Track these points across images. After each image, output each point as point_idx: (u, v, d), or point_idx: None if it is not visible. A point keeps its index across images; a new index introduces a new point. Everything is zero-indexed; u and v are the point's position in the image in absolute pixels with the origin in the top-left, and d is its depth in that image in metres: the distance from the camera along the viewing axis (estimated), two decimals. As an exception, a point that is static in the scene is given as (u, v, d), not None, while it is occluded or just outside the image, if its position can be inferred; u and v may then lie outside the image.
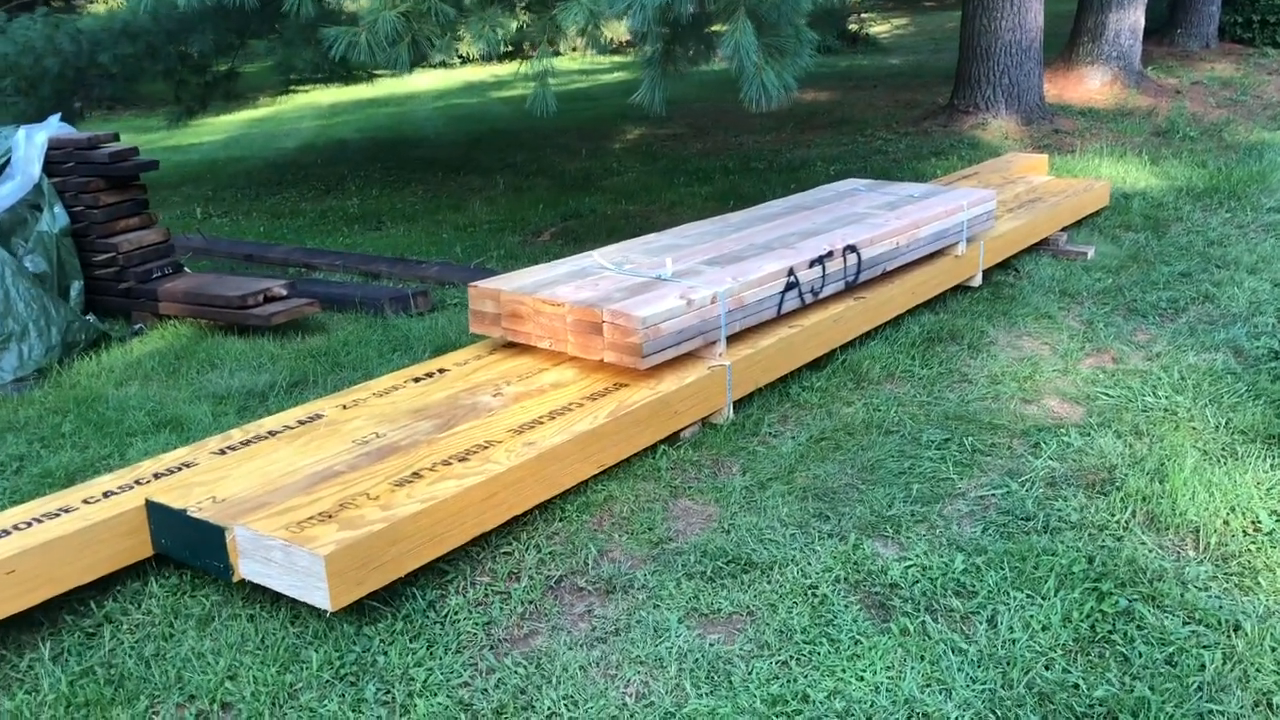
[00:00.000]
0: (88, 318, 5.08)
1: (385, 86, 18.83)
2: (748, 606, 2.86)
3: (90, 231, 5.33)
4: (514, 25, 4.56)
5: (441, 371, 3.84)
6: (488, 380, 3.71)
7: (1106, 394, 4.21)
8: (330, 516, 2.71)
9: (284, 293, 4.98)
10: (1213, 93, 11.35)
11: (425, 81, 19.50)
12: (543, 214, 7.93)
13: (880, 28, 23.20)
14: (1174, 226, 6.68)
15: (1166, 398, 4.13)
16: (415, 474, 2.97)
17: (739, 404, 4.02)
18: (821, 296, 4.33)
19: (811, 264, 4.23)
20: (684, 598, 2.89)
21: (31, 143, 5.42)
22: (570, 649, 2.71)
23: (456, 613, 2.84)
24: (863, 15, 22.95)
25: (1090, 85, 11.12)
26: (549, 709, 2.49)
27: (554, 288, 3.84)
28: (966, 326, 4.95)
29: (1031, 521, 3.26)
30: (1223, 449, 3.68)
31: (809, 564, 3.04)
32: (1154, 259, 6.01)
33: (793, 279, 4.13)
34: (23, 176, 5.36)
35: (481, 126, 13.10)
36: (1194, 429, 3.86)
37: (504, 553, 3.10)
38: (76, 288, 5.31)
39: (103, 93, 9.45)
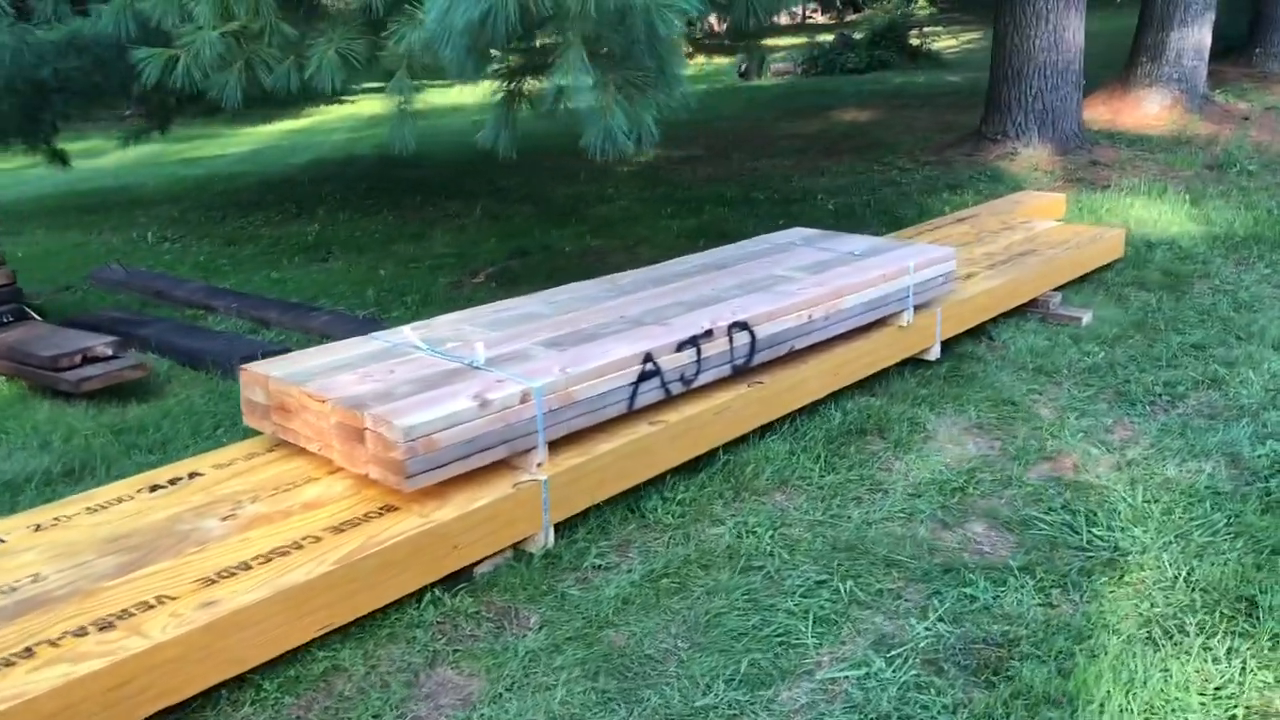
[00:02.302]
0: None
1: (434, 97, 18.37)
2: None
3: (-80, 273, 4.71)
4: (365, 49, 3.81)
5: (193, 476, 3.10)
6: (233, 494, 2.96)
7: (1046, 520, 3.32)
8: None
9: (108, 353, 4.30)
10: (1284, 121, 10.20)
11: (475, 94, 18.97)
12: (494, 249, 7.20)
13: (946, 43, 22.13)
14: (1198, 284, 5.71)
15: (1121, 530, 3.24)
16: (27, 650, 2.23)
17: (567, 525, 3.22)
18: (696, 385, 3.50)
19: (681, 346, 3.41)
20: None
21: None
22: None
23: None
24: (925, 30, 21.89)
25: (1147, 109, 10.05)
26: None
27: (331, 376, 3.08)
28: (902, 415, 4.08)
29: None
30: (1170, 619, 2.78)
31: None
32: (1164, 326, 5.06)
33: (650, 366, 3.32)
34: None
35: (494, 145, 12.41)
36: (1141, 582, 2.96)
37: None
38: (-98, 335, 4.68)
39: (66, 108, 8.93)
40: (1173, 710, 2.43)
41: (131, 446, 3.86)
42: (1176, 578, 3.00)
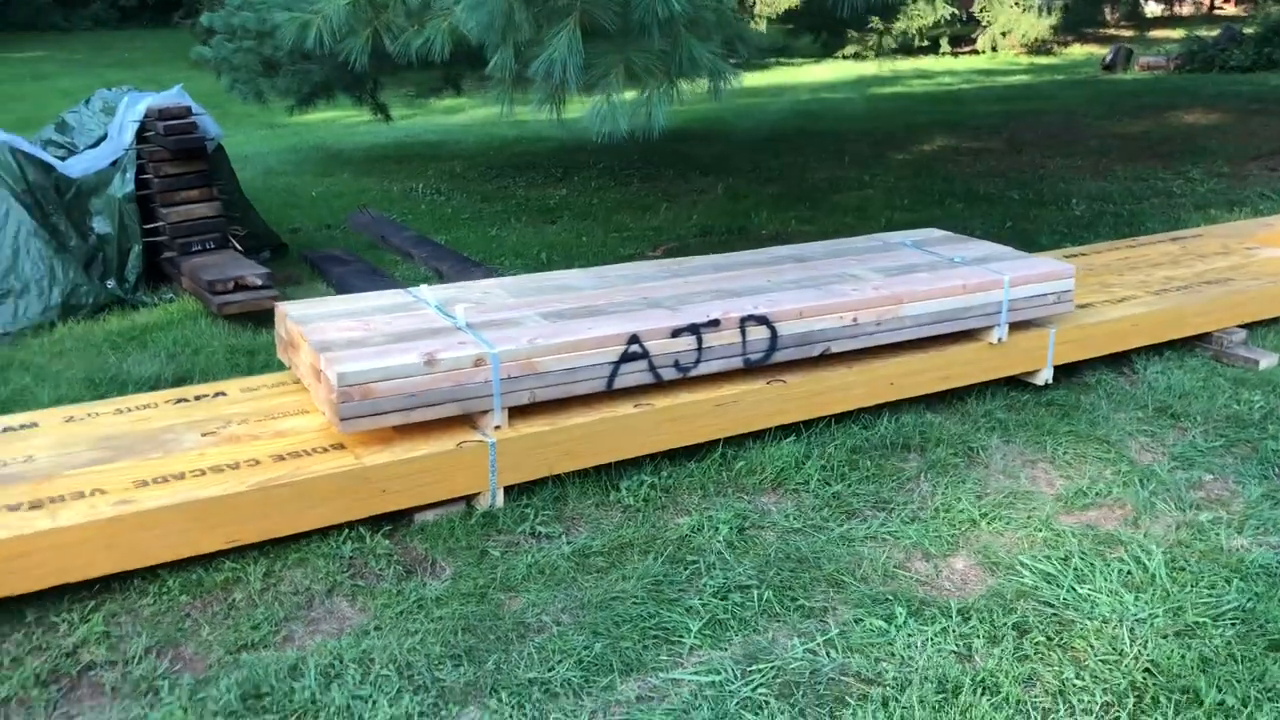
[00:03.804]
0: (108, 283, 5.28)
1: (780, 75, 18.64)
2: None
3: (153, 200, 5.53)
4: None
5: (218, 395, 3.51)
6: (230, 415, 3.33)
7: (1033, 568, 3.04)
8: None
9: (257, 282, 4.87)
10: None
11: (824, 73, 19.05)
12: (694, 225, 7.29)
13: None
14: None
15: (1110, 594, 2.91)
16: (-33, 513, 2.68)
17: (523, 490, 3.33)
18: (696, 374, 3.48)
19: (678, 333, 3.40)
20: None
21: (132, 110, 5.72)
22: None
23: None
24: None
25: None
26: None
27: (331, 321, 3.37)
28: (960, 438, 3.82)
29: None
30: (1081, 692, 2.49)
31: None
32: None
33: (636, 349, 3.35)
34: (113, 143, 5.67)
35: (806, 124, 12.44)
36: (1082, 651, 2.66)
37: (49, 623, 2.73)
38: (135, 251, 5.54)
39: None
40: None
41: (235, 366, 4.37)
42: (1125, 654, 2.65)
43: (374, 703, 2.47)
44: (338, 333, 3.24)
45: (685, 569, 3.05)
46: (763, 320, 3.52)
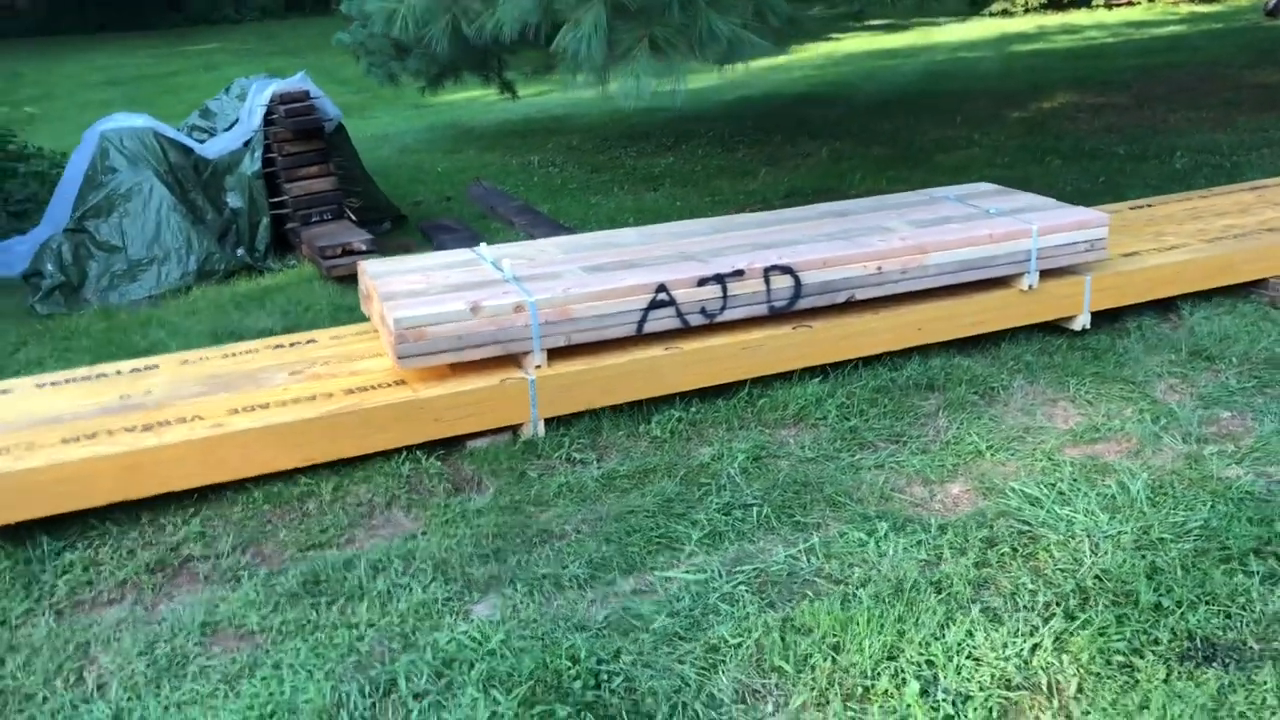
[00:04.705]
0: (238, 252, 5.94)
1: (920, 36, 18.53)
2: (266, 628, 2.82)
3: (278, 176, 6.18)
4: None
5: (310, 342, 4.06)
6: (316, 358, 3.86)
7: (1022, 492, 3.31)
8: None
9: (363, 248, 5.43)
10: None
11: (967, 31, 18.84)
12: (780, 189, 7.57)
13: None
14: None
15: (1086, 514, 3.15)
16: (92, 434, 3.28)
17: (562, 422, 3.76)
18: (722, 319, 3.84)
19: (704, 282, 3.77)
20: (236, 604, 2.90)
21: (259, 96, 6.38)
22: (115, 624, 2.87)
23: (69, 567, 3.11)
24: None
25: None
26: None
27: (402, 275, 3.86)
28: (986, 378, 4.07)
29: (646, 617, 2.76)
30: (1020, 594, 2.77)
31: (388, 608, 2.88)
32: None
33: (664, 297, 3.73)
34: (243, 126, 6.34)
35: (932, 85, 12.47)
36: (1041, 563, 2.93)
37: (158, 524, 3.31)
38: (264, 223, 6.20)
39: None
40: (906, 663, 2.52)
41: (337, 320, 4.92)
42: (1082, 565, 2.91)
43: (409, 589, 2.94)
44: (403, 285, 3.72)
45: (699, 490, 3.42)
46: (787, 270, 3.84)
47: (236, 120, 6.37)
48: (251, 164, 6.11)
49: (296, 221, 6.10)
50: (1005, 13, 20.87)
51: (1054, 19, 19.69)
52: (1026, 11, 20.82)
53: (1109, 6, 20.94)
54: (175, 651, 2.73)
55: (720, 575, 2.95)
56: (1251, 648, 2.54)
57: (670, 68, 3.60)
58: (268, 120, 6.16)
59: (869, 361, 4.14)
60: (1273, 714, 2.34)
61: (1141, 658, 2.53)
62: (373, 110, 13.44)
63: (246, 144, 6.21)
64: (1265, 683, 2.41)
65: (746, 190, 7.74)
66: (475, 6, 4.64)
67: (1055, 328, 4.41)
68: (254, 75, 7.04)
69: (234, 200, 6.12)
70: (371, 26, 9.01)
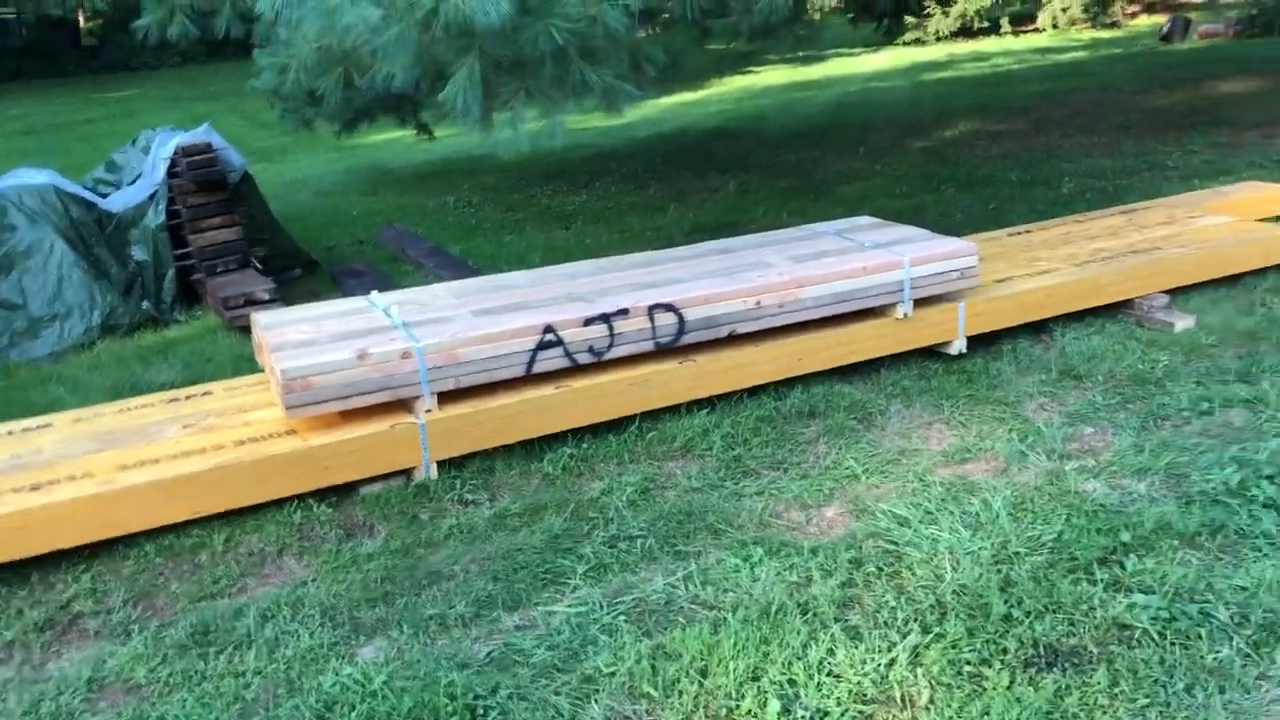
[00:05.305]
0: (144, 304, 5.96)
1: (836, 67, 18.95)
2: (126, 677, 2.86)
3: (183, 228, 6.21)
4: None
5: (205, 394, 4.11)
6: (209, 410, 3.92)
7: (892, 513, 3.46)
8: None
9: (265, 298, 5.49)
10: None
11: (881, 61, 19.29)
12: (686, 225, 7.75)
13: None
14: (1379, 294, 5.04)
15: (950, 531, 3.31)
16: (-20, 494, 3.31)
17: (455, 464, 3.85)
18: (610, 357, 3.96)
19: (590, 322, 3.89)
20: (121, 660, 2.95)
21: (162, 148, 6.42)
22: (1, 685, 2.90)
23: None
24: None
25: None
26: None
27: (293, 325, 3.94)
28: (865, 404, 4.24)
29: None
30: (882, 612, 2.91)
31: (275, 655, 2.94)
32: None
33: (551, 337, 3.85)
34: (147, 179, 6.38)
35: (842, 116, 12.79)
36: (903, 580, 3.08)
37: (48, 582, 3.34)
38: (169, 275, 6.23)
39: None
40: (767, 684, 2.65)
41: (238, 371, 4.97)
42: (943, 580, 3.06)
43: (297, 635, 3.01)
44: (293, 335, 3.81)
45: (587, 524, 3.53)
46: (670, 307, 3.99)
47: (140, 174, 6.40)
48: (155, 216, 6.15)
49: (202, 272, 6.14)
50: (918, 41, 21.46)
51: (964, 47, 20.28)
52: (938, 40, 21.43)
53: (1016, 33, 21.61)
54: (60, 709, 2.77)
55: (601, 607, 3.06)
56: (1090, 651, 2.70)
57: (550, 117, 3.74)
58: (171, 173, 6.20)
59: (754, 392, 4.29)
60: (1104, 712, 2.50)
61: (990, 667, 2.67)
62: (294, 154, 13.45)
63: (151, 196, 6.24)
64: (1099, 683, 2.58)
65: (655, 226, 7.90)
66: (365, 59, 4.74)
67: (934, 353, 4.61)
68: (163, 126, 7.08)
69: (139, 253, 6.15)
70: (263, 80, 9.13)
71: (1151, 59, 15.56)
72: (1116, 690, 2.55)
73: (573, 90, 3.68)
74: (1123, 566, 3.04)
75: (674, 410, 4.16)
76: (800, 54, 21.28)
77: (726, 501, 3.61)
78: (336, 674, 2.82)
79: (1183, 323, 4.77)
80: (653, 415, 4.13)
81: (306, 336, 3.77)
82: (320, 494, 3.68)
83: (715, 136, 12.00)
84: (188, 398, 4.07)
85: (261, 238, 6.64)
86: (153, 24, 5.56)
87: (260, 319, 4.03)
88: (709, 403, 4.21)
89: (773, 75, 18.40)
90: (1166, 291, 4.97)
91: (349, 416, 3.71)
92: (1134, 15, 22.86)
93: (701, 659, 2.75)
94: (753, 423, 4.11)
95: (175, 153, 6.15)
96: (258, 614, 3.11)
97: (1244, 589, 2.89)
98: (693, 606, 3.04)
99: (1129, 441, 3.83)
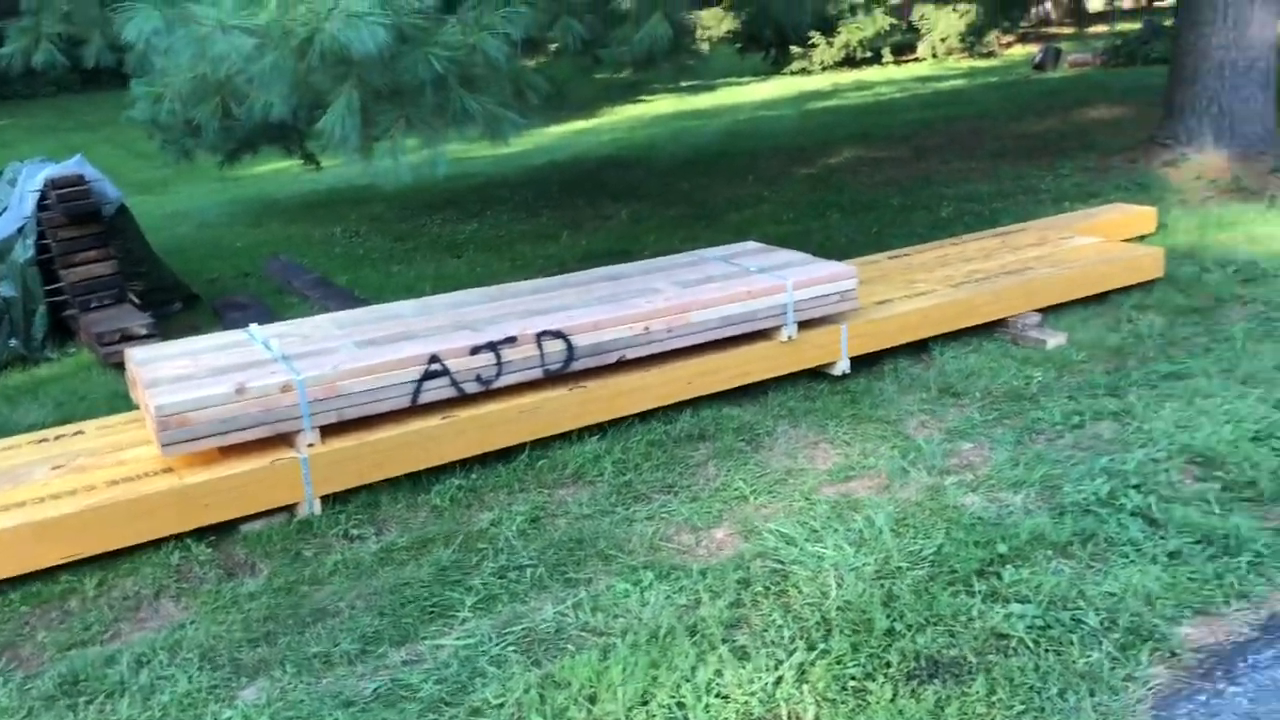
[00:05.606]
0: (11, 342, 5.73)
1: (726, 95, 19.21)
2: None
3: (54, 262, 6.00)
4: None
5: (77, 434, 3.96)
6: (80, 450, 3.78)
7: (778, 532, 3.49)
8: None
9: (141, 333, 5.32)
10: None
11: (769, 90, 19.61)
12: (577, 252, 7.77)
13: None
14: (1235, 310, 5.29)
15: (834, 548, 3.35)
16: None
17: (339, 498, 3.78)
18: (499, 385, 3.94)
19: (477, 350, 3.86)
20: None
21: (30, 181, 6.19)
22: None
23: None
24: None
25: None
26: None
27: (169, 360, 3.83)
28: (753, 425, 4.28)
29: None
30: (767, 631, 2.93)
31: (150, 701, 2.83)
32: (1152, 354, 4.82)
33: (438, 367, 3.80)
34: (14, 212, 6.14)
35: (731, 144, 12.95)
36: (790, 598, 3.10)
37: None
38: (40, 312, 6.00)
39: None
40: (658, 705, 2.64)
41: (114, 409, 4.80)
42: (829, 598, 3.10)
43: (174, 680, 2.91)
44: (169, 370, 3.70)
45: (476, 555, 3.49)
46: (559, 334, 3.98)
47: (6, 207, 6.17)
48: (24, 251, 5.94)
49: (75, 308, 5.93)
50: (804, 71, 21.94)
51: (848, 76, 20.81)
52: (824, 69, 21.95)
53: (898, 63, 22.26)
54: (-84, 768, 2.63)
55: (490, 638, 3.03)
56: (970, 661, 2.77)
57: (432, 146, 3.72)
58: (41, 206, 5.99)
59: (644, 417, 4.31)
60: (982, 721, 2.56)
61: (873, 681, 2.72)
62: (176, 186, 13.12)
63: (20, 230, 6.02)
64: (977, 693, 2.64)
65: (547, 254, 7.90)
66: (242, 88, 4.66)
67: (819, 374, 4.69)
68: (33, 158, 6.84)
69: (6, 289, 5.92)
70: (164, 104, 8.91)
71: (1025, 87, 16.16)
72: (994, 699, 2.61)
73: (454, 119, 3.66)
74: (1000, 577, 3.12)
75: (564, 437, 4.15)
76: (691, 83, 21.63)
77: (617, 527, 3.61)
78: (215, 718, 2.72)
79: (1054, 340, 4.94)
80: (543, 443, 4.12)
81: (183, 371, 3.67)
82: (199, 533, 3.57)
83: (608, 165, 12.07)
84: (57, 438, 3.92)
85: (139, 271, 6.45)
86: (16, 52, 5.38)
87: (135, 354, 3.91)
88: (600, 429, 4.22)
89: (664, 104, 18.62)
90: (1039, 310, 5.14)
91: (228, 453, 3.61)
92: (1009, 45, 23.72)
93: (590, 686, 2.74)
94: (643, 447, 4.12)
95: (45, 185, 5.94)
96: (132, 660, 3.00)
97: (1112, 594, 2.99)
98: (582, 634, 3.03)
99: (1005, 456, 3.95)
